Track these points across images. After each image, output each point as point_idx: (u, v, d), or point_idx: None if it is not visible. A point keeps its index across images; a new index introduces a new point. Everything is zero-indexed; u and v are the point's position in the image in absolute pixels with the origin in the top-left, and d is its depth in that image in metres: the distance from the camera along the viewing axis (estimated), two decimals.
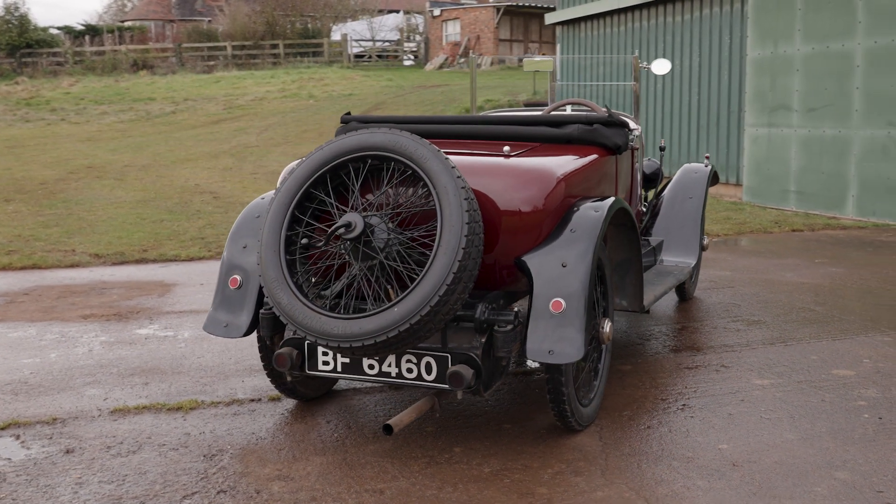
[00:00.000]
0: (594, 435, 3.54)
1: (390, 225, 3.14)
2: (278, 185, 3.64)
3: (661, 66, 5.09)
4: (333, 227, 3.07)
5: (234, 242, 3.69)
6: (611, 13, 14.16)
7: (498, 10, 31.67)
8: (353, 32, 35.33)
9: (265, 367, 3.80)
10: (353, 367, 3.32)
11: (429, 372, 3.21)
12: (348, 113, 4.20)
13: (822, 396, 3.93)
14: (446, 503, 2.96)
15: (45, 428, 3.70)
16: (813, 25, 9.92)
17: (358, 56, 34.39)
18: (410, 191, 3.24)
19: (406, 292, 2.98)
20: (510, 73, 28.92)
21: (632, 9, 13.58)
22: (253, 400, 4.03)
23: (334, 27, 37.65)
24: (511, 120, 3.80)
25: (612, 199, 3.50)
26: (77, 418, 3.81)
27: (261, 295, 3.57)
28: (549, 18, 16.13)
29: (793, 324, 5.19)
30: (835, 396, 3.93)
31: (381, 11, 38.48)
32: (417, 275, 3.05)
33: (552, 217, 3.30)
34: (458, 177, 3.07)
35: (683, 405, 3.86)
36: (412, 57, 35.93)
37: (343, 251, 3.16)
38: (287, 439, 3.54)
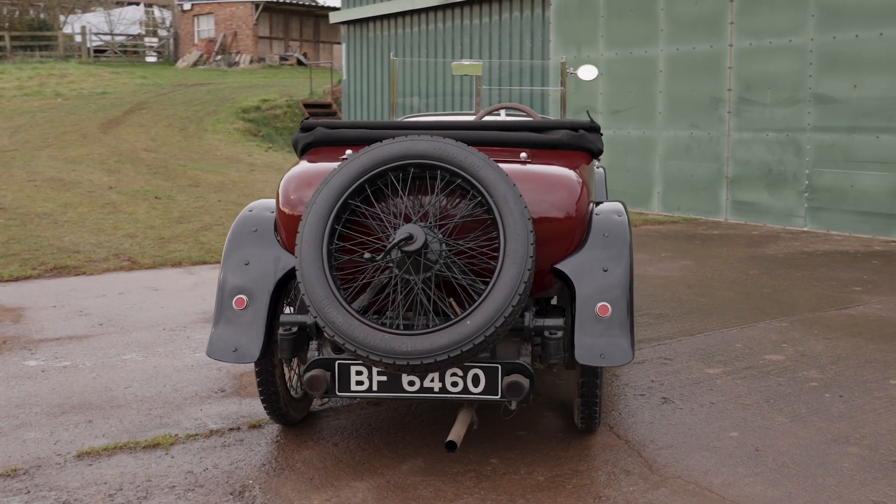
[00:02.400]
0: (609, 434, 3.62)
1: (440, 235, 3.04)
2: (281, 195, 3.38)
3: (587, 72, 5.24)
4: (396, 240, 2.91)
5: (231, 260, 3.39)
6: (404, 14, 14.31)
7: (256, 6, 30.81)
8: (90, 25, 32.97)
9: (262, 393, 3.52)
10: (391, 385, 3.17)
11: (476, 384, 3.13)
12: (307, 118, 3.98)
13: (776, 381, 4.27)
14: None
15: (11, 482, 3.21)
16: (616, 32, 10.63)
17: (98, 51, 32.14)
18: (454, 200, 3.14)
19: (476, 304, 2.89)
20: (273, 72, 28.33)
21: (427, 10, 13.81)
22: (232, 429, 3.72)
23: (66, 19, 34.94)
24: (500, 125, 3.78)
25: (619, 202, 3.60)
26: (41, 467, 3.33)
27: (270, 315, 3.31)
28: (335, 17, 16.00)
29: (693, 315, 5.57)
30: (787, 380, 4.28)
31: (119, 3, 36.18)
32: (483, 285, 2.98)
33: (583, 222, 3.33)
34: (514, 185, 3.02)
35: (664, 398, 4.04)
36: (156, 53, 34.14)
37: (391, 264, 3.01)
38: (307, 467, 3.31)
